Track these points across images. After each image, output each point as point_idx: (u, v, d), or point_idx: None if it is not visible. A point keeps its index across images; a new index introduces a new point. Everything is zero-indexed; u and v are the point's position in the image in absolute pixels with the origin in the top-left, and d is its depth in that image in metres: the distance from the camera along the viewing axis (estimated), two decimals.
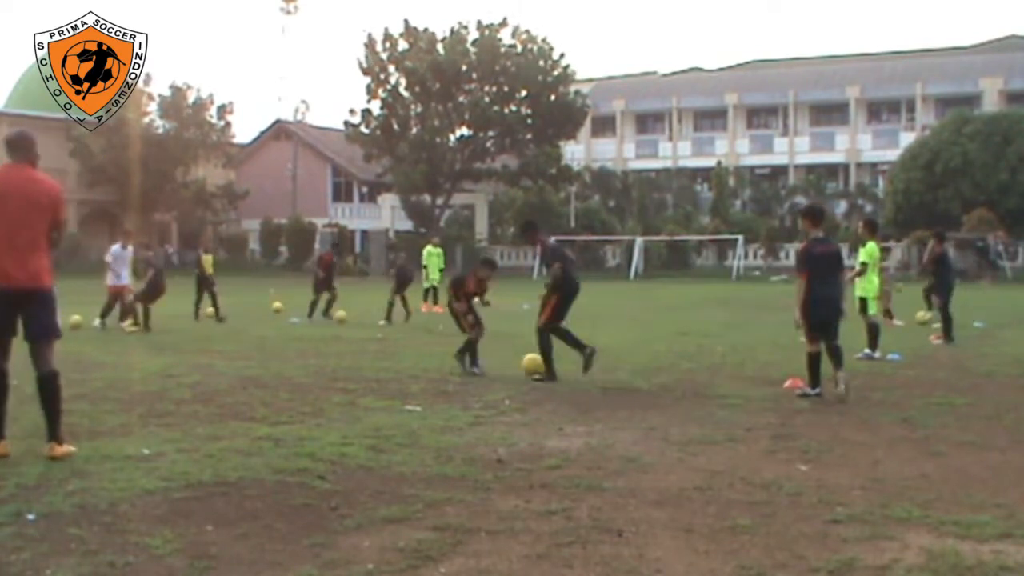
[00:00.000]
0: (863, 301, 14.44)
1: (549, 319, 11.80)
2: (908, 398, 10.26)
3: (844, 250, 45.47)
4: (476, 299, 12.87)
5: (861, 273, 14.53)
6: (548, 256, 11.96)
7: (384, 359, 13.80)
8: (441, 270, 26.06)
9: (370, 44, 56.29)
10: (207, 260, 22.32)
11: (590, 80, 72.43)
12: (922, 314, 19.78)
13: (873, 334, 14.08)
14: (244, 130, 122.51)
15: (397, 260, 26.35)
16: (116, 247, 19.69)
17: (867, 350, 13.91)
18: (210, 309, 21.68)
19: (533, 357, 11.92)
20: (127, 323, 18.81)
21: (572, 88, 57.87)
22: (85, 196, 59.49)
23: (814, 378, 10.39)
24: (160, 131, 59.90)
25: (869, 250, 14.51)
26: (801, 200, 63.04)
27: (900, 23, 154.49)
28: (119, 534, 5.39)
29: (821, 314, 10.43)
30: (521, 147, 57.41)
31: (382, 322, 20.43)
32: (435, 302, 24.55)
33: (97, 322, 19.06)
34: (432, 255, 25.69)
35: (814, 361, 10.41)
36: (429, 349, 15.24)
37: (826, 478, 6.74)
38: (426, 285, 25.26)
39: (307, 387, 11.03)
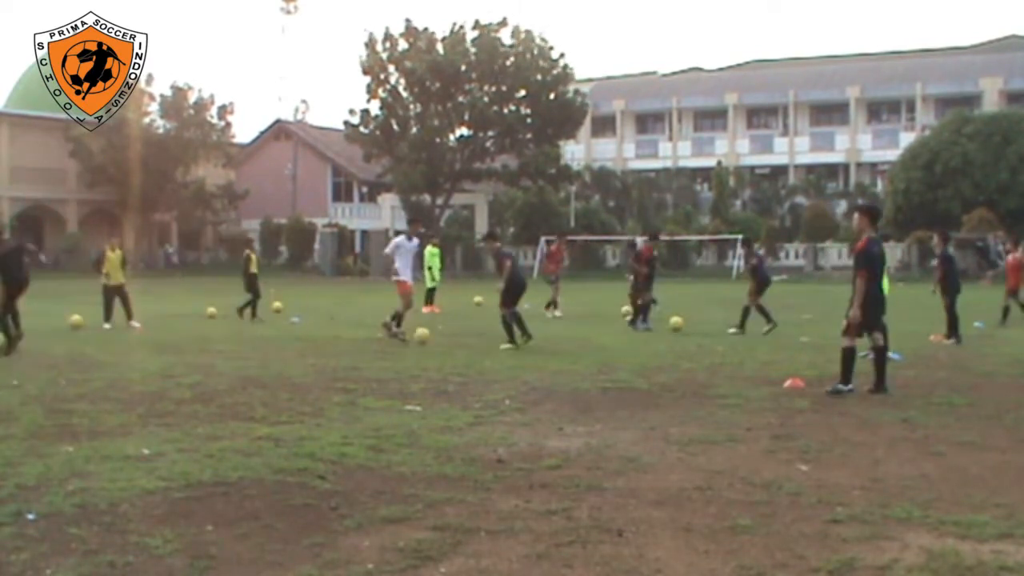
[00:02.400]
0: None
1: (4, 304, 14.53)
2: (908, 398, 10.26)
3: (845, 249, 45.05)
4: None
5: None
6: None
7: (384, 359, 13.80)
8: (439, 269, 25.97)
9: (370, 44, 56.29)
10: (253, 260, 22.20)
11: (590, 80, 72.44)
12: (626, 308, 20.56)
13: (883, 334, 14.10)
14: (244, 130, 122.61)
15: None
16: (401, 238, 16.91)
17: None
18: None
19: None
20: (401, 330, 16.22)
21: (572, 88, 57.84)
22: (85, 196, 59.49)
23: (849, 374, 10.45)
24: (160, 131, 59.86)
25: None
26: (801, 200, 63.05)
27: (900, 23, 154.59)
28: (119, 534, 5.39)
29: (876, 312, 10.54)
30: (521, 147, 57.36)
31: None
32: (431, 302, 24.51)
33: (395, 329, 16.28)
34: (433, 255, 25.63)
35: (851, 357, 10.47)
36: (429, 349, 15.24)
37: (826, 478, 6.74)
38: (429, 286, 25.22)
39: (307, 387, 11.02)
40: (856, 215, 11.27)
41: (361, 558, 5.03)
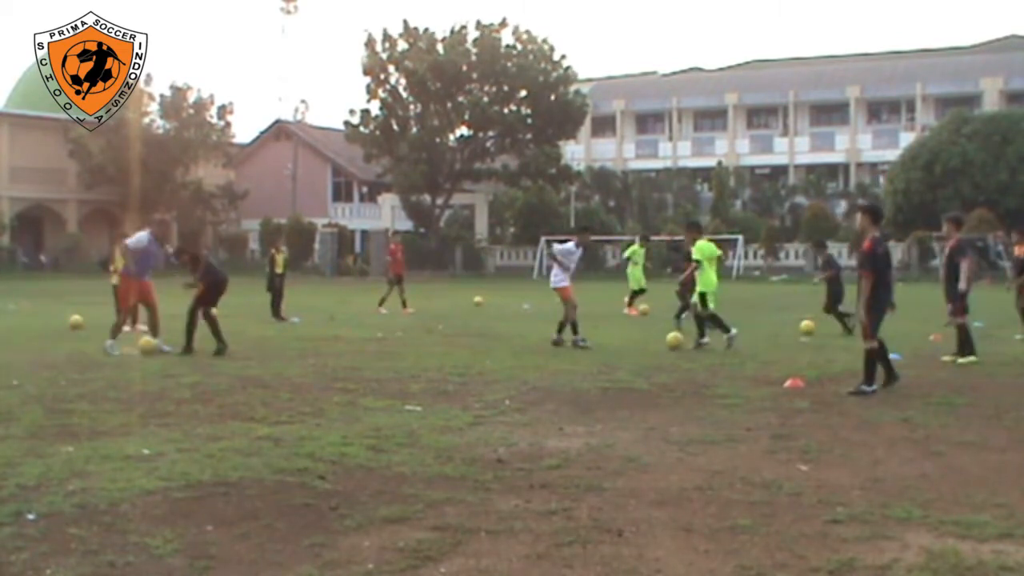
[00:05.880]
0: None
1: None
2: (908, 398, 10.25)
3: (844, 250, 45.25)
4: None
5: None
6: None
7: (384, 359, 13.80)
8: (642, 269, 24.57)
9: (370, 44, 56.31)
10: (279, 259, 22.13)
11: (590, 80, 72.41)
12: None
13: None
14: (244, 130, 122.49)
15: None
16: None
17: None
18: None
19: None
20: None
21: (572, 88, 57.84)
22: (85, 196, 59.48)
23: (873, 375, 10.50)
24: (160, 131, 59.86)
25: None
26: (802, 200, 63.03)
27: (900, 23, 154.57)
28: (119, 534, 5.39)
29: (882, 312, 10.59)
30: (521, 147, 57.39)
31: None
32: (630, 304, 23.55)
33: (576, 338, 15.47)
34: (639, 254, 24.37)
35: (875, 357, 10.51)
36: (429, 349, 15.24)
37: (826, 478, 6.74)
38: (637, 287, 23.99)
39: (307, 387, 11.02)
40: (859, 215, 11.35)
41: (361, 558, 5.03)
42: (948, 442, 7.97)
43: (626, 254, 24.93)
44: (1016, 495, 6.27)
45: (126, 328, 18.46)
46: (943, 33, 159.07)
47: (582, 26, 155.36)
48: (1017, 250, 17.56)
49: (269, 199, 63.74)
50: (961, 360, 13.40)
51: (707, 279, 15.47)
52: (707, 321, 15.41)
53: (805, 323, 17.98)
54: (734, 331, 15.17)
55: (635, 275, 23.94)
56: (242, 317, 22.03)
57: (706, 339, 15.31)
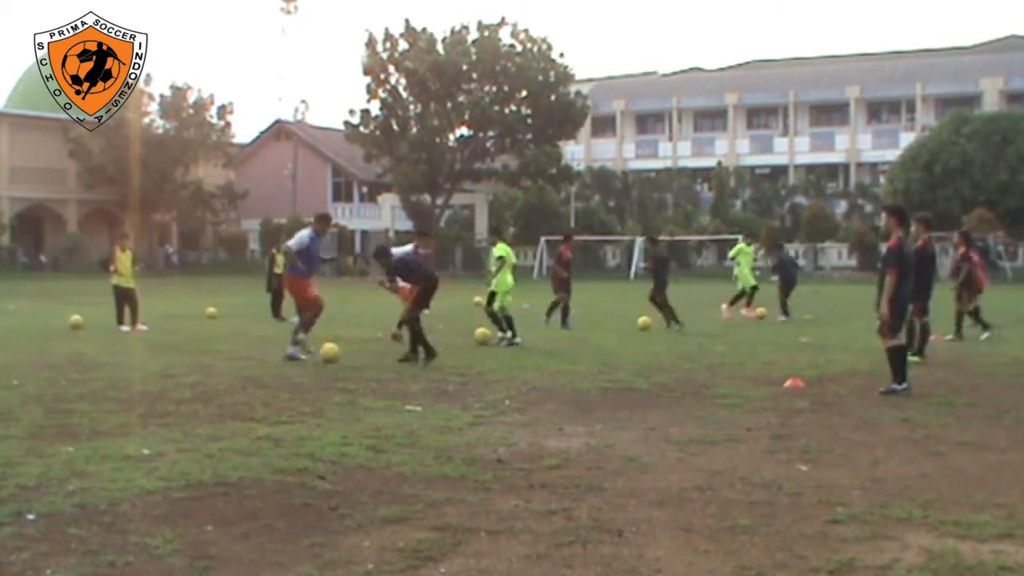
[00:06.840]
0: None
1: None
2: (908, 398, 10.25)
3: (845, 249, 45.28)
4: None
5: None
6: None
7: (384, 359, 13.80)
8: (750, 267, 24.11)
9: (370, 44, 56.31)
10: (279, 259, 22.12)
11: (590, 80, 72.44)
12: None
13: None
14: (244, 130, 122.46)
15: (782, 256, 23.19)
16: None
17: None
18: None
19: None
20: None
21: (572, 88, 57.85)
22: (85, 196, 59.46)
23: (903, 373, 10.38)
24: (160, 131, 59.84)
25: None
26: (802, 200, 63.04)
27: (900, 23, 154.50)
28: (119, 534, 5.39)
29: (905, 311, 10.56)
30: (521, 147, 57.37)
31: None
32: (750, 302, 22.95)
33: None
34: (745, 253, 23.93)
35: (902, 355, 10.43)
36: None
37: (826, 478, 6.74)
38: (744, 286, 23.47)
39: (307, 387, 11.02)
40: (884, 216, 11.32)
41: (361, 558, 5.03)
42: (948, 442, 7.98)
43: (731, 254, 24.60)
44: (1016, 495, 6.27)
45: (124, 328, 18.50)
46: (943, 33, 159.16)
47: (582, 26, 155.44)
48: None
49: (269, 199, 63.72)
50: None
51: (503, 280, 16.35)
52: (491, 317, 16.29)
53: (642, 319, 19.11)
54: (512, 338, 15.88)
55: (743, 275, 23.50)
56: (242, 317, 22.06)
57: (517, 338, 15.97)
